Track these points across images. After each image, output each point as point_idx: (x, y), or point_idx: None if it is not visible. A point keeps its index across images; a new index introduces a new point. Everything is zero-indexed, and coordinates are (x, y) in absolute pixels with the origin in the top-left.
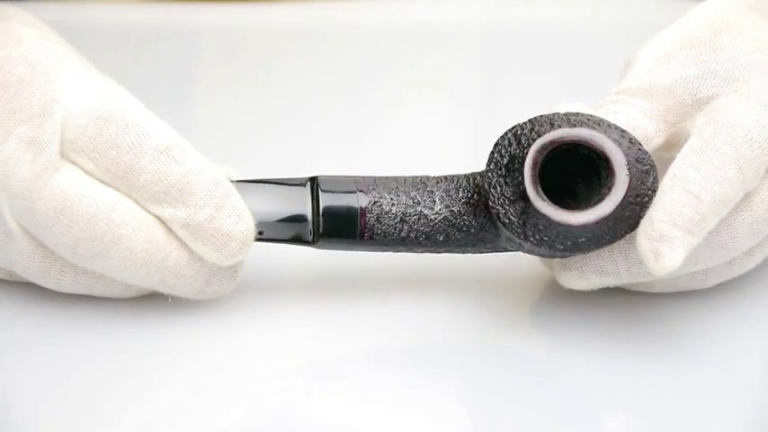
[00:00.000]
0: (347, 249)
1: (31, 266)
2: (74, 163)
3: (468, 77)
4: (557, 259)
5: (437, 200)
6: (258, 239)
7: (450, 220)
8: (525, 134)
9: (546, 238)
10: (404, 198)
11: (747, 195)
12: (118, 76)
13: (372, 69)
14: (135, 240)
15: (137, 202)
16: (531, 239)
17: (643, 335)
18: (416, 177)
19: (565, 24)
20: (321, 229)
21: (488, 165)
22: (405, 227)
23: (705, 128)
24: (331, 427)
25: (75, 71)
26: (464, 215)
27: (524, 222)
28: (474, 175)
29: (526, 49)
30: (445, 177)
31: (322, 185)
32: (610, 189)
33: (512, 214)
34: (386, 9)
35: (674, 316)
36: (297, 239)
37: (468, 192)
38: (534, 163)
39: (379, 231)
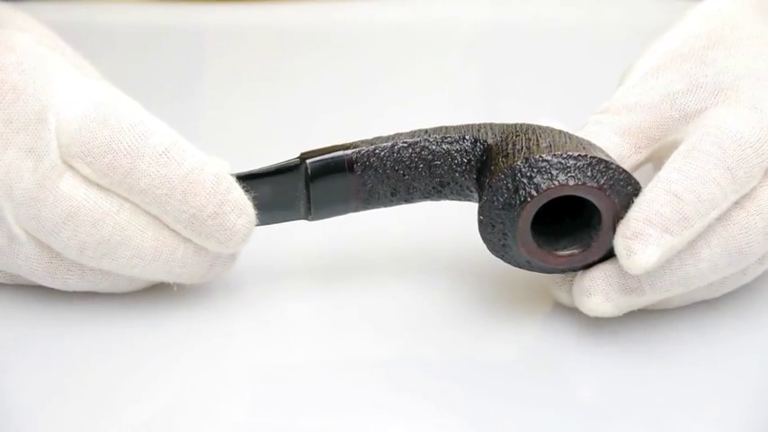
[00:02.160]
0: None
1: (38, 269)
2: (72, 168)
3: (468, 77)
4: (576, 288)
5: (429, 172)
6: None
7: (440, 189)
8: (523, 183)
9: (532, 267)
10: (394, 170)
11: (756, 198)
12: (123, 76)
13: (374, 68)
14: (143, 239)
15: (137, 205)
16: (521, 267)
17: (645, 334)
18: (409, 148)
19: (565, 24)
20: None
21: (483, 201)
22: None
23: (693, 133)
24: (330, 423)
25: (69, 75)
26: (455, 183)
27: (512, 256)
28: (464, 142)
29: (526, 49)
30: (441, 141)
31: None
32: (596, 239)
33: (501, 250)
34: (387, 9)
35: (675, 314)
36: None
37: (462, 168)
38: (529, 216)
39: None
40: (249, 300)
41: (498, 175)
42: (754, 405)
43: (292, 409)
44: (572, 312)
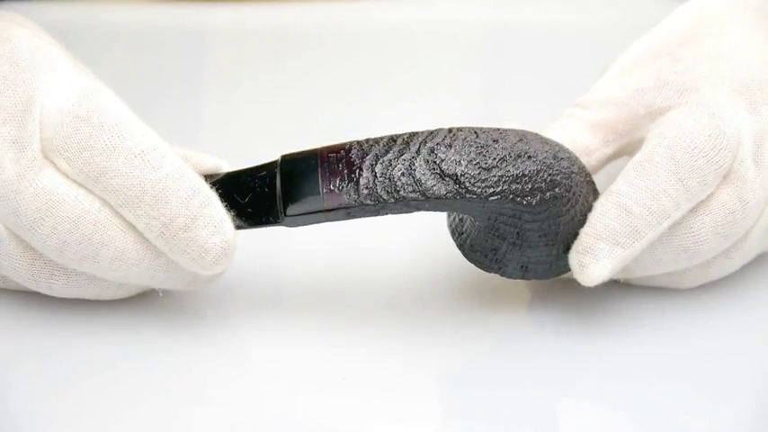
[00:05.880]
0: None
1: (21, 269)
2: (52, 162)
3: (468, 78)
4: None
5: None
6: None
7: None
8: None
9: None
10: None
11: (707, 199)
12: (124, 76)
13: (374, 68)
14: (125, 241)
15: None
16: None
17: (640, 327)
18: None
19: (565, 24)
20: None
21: (461, 247)
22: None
23: (649, 141)
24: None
25: (60, 70)
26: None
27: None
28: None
29: (526, 49)
30: None
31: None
32: None
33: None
34: (387, 9)
35: (668, 311)
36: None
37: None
38: None
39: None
40: (248, 313)
41: (485, 270)
42: (749, 394)
43: (290, 419)
44: (566, 308)
